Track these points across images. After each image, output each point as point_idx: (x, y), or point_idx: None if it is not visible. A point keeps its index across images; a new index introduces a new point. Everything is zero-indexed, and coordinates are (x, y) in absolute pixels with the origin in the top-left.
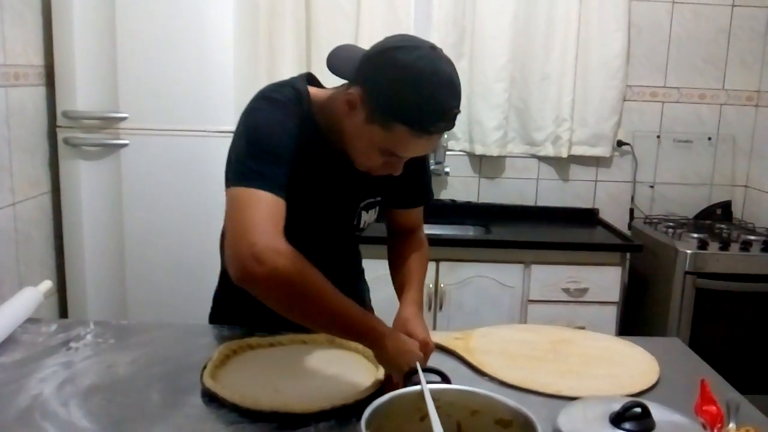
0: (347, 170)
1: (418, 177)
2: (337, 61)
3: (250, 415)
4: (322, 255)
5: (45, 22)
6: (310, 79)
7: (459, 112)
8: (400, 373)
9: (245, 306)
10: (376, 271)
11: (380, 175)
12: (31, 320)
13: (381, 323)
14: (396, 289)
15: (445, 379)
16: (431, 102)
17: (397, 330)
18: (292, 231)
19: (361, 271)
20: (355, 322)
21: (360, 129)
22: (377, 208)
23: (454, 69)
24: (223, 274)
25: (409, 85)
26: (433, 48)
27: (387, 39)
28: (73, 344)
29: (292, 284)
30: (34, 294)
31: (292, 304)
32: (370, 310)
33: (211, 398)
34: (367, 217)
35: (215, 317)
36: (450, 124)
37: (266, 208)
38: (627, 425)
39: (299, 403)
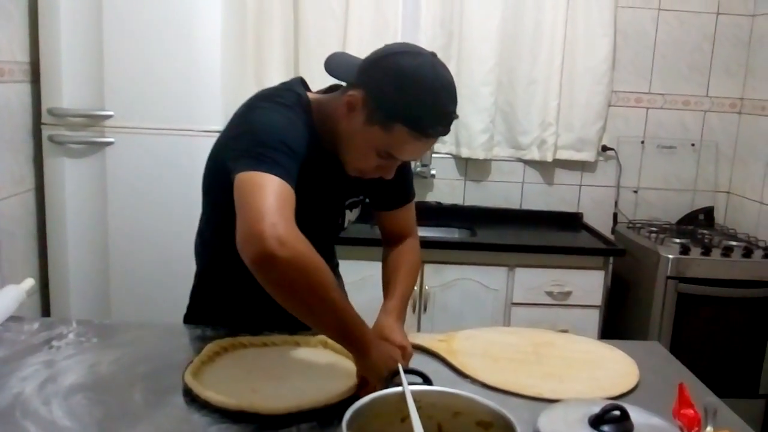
0: (336, 171)
1: (399, 178)
2: (334, 65)
3: (231, 416)
4: None
5: (31, 18)
6: (303, 84)
7: (456, 117)
8: (379, 379)
9: (224, 306)
10: (359, 273)
11: (371, 178)
12: (13, 318)
13: (370, 332)
14: (383, 297)
15: (427, 380)
16: (432, 105)
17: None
18: None
19: (336, 264)
20: (349, 324)
21: (358, 130)
22: (360, 207)
23: (452, 77)
24: (201, 274)
25: (412, 88)
26: (433, 55)
27: (388, 46)
28: (55, 343)
29: (307, 273)
30: (17, 292)
31: (302, 292)
32: None
33: (193, 398)
34: (351, 215)
35: (191, 317)
36: (447, 128)
37: (281, 193)
38: (606, 428)
39: (270, 404)
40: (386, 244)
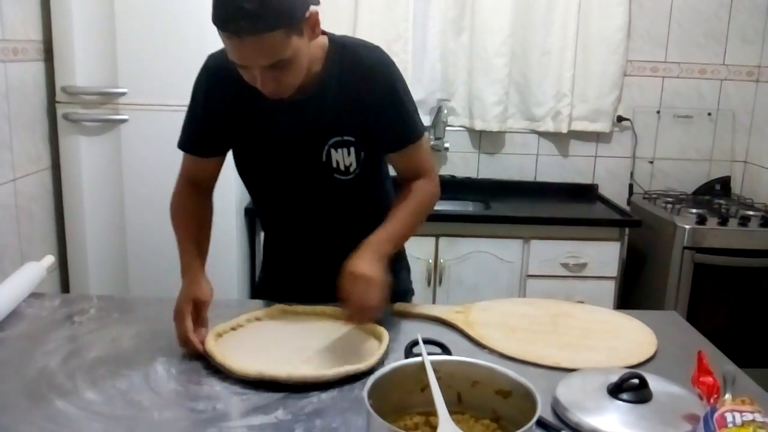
0: (307, 111)
1: (390, 116)
2: None
3: (252, 385)
4: (311, 209)
5: None
6: None
7: (248, 8)
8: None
9: (289, 276)
10: None
11: (271, 96)
12: (34, 295)
13: (189, 276)
14: None
15: (446, 350)
16: None
17: None
18: (269, 179)
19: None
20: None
21: None
22: (352, 149)
23: None
24: (264, 245)
25: None
26: None
27: None
28: (77, 318)
29: (172, 217)
30: (37, 269)
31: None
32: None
33: (215, 369)
34: (340, 157)
35: (261, 288)
36: (238, 22)
37: (182, 168)
38: (624, 396)
39: (275, 372)
40: (400, 186)
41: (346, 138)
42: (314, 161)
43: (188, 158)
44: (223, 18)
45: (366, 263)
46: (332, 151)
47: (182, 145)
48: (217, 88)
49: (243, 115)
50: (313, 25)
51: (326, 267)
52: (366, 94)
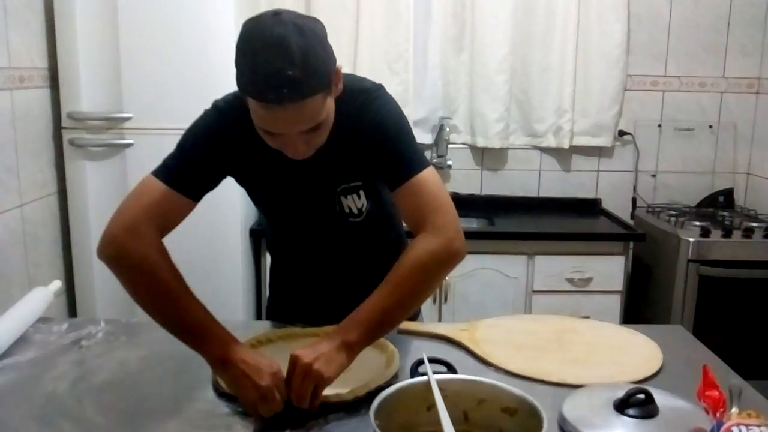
0: (315, 159)
1: (385, 153)
2: None
3: None
4: (326, 247)
5: (48, 25)
6: None
7: (291, 75)
8: (246, 404)
9: (297, 299)
10: None
11: (298, 158)
12: (42, 320)
13: (223, 343)
14: None
15: (452, 369)
16: (252, 66)
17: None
18: (283, 227)
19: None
20: (189, 335)
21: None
22: (361, 192)
23: (297, 32)
24: (272, 269)
25: (238, 52)
26: (276, 13)
27: None
28: (84, 342)
29: (135, 271)
30: (45, 294)
31: (137, 292)
32: None
33: (221, 392)
34: (351, 202)
35: (271, 311)
36: (280, 90)
37: (151, 197)
38: (631, 411)
39: None
40: None
41: (353, 184)
42: (328, 210)
43: (171, 197)
44: (262, 87)
45: (313, 353)
46: (342, 198)
47: (170, 179)
48: (227, 135)
49: (251, 164)
50: (337, 80)
51: (337, 294)
52: (357, 136)
